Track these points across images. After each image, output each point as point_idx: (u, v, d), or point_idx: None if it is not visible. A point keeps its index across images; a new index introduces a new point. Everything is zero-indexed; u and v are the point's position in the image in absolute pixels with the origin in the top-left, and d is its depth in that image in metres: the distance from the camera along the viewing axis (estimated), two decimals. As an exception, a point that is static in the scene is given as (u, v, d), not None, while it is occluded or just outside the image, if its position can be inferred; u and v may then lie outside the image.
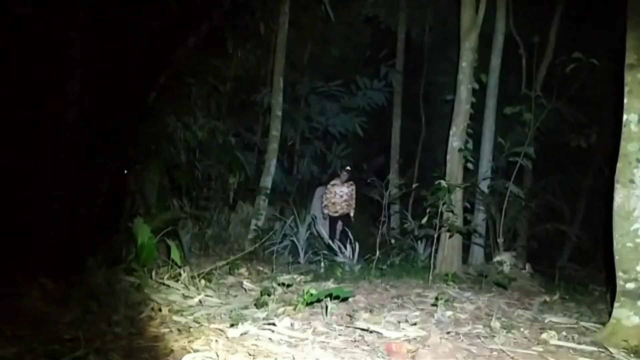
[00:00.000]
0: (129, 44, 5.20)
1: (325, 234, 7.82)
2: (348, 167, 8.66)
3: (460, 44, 6.78)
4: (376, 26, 10.32)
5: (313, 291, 3.90)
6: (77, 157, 4.69)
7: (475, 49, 6.76)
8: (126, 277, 4.38)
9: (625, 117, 3.65)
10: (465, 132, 6.74)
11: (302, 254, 7.10)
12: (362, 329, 3.46)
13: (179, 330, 3.23)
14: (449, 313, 4.11)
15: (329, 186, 8.58)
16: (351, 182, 8.63)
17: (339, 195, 8.56)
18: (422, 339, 3.32)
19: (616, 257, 3.61)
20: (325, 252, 7.17)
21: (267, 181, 8.12)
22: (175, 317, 3.49)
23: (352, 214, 8.65)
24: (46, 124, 4.60)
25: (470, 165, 6.90)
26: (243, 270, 5.69)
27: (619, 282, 3.59)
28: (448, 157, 6.72)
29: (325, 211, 8.50)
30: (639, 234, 3.52)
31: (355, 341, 3.26)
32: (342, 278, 5.99)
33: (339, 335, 3.37)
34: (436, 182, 6.26)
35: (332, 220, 8.46)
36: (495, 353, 3.19)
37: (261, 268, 6.12)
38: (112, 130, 5.05)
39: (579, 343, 3.51)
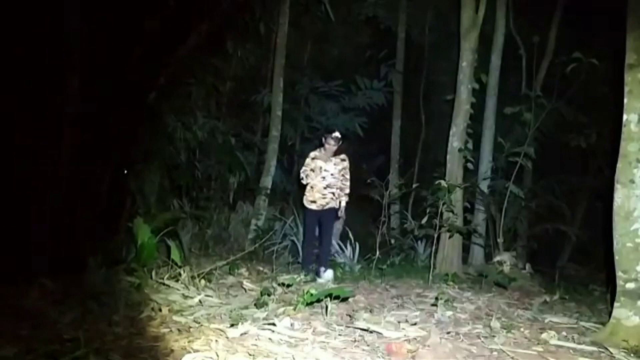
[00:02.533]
0: (129, 43, 5.20)
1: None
2: (337, 133, 5.86)
3: (460, 44, 6.79)
4: (376, 26, 10.32)
5: (313, 291, 3.91)
6: (77, 157, 4.69)
7: (475, 49, 6.77)
8: (126, 277, 4.38)
9: (625, 117, 3.65)
10: (465, 132, 6.76)
11: (302, 254, 7.08)
12: (362, 329, 3.46)
13: (179, 330, 3.23)
14: (449, 313, 4.11)
15: (307, 160, 5.97)
16: (343, 157, 5.96)
17: (321, 177, 5.86)
18: (422, 339, 3.33)
19: (616, 257, 3.61)
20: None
21: (267, 181, 8.12)
22: (175, 317, 3.49)
23: (342, 204, 5.93)
24: (46, 124, 4.60)
25: (470, 165, 6.92)
26: (243, 270, 5.69)
27: (619, 282, 3.59)
28: (448, 157, 6.73)
29: (305, 201, 5.98)
30: (639, 234, 3.52)
31: (355, 341, 3.27)
32: (342, 278, 5.99)
33: (339, 335, 3.37)
34: (436, 182, 6.27)
35: (311, 215, 5.95)
36: (495, 353, 3.20)
37: (261, 268, 6.12)
38: (112, 130, 5.05)
39: (579, 343, 3.51)
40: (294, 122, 9.73)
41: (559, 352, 3.31)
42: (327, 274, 5.73)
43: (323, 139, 5.92)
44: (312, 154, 6.00)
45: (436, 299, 4.38)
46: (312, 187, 5.92)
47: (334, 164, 5.91)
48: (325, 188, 5.88)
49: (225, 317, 3.64)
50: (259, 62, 9.29)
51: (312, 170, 5.91)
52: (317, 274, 5.76)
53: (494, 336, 3.53)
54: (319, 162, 5.91)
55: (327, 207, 5.92)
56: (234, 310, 3.80)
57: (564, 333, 3.74)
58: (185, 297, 4.14)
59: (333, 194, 5.92)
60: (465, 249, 7.39)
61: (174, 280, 4.52)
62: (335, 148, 5.84)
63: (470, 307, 4.50)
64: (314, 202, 5.91)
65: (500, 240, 6.74)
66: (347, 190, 5.97)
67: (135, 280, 4.27)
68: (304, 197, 6.01)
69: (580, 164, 9.39)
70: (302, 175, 5.96)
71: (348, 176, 5.98)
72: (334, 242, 6.85)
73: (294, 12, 8.61)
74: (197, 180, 7.72)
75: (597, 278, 6.54)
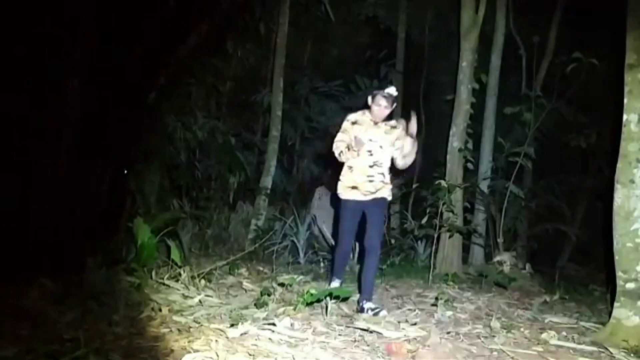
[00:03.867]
0: (129, 43, 5.20)
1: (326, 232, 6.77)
2: (392, 89, 4.05)
3: (460, 44, 6.79)
4: (376, 26, 10.31)
5: (313, 291, 3.90)
6: (78, 157, 4.69)
7: (475, 49, 6.78)
8: (126, 277, 4.38)
9: (625, 117, 3.65)
10: (465, 132, 6.76)
11: (302, 254, 7.09)
12: (362, 329, 3.46)
13: (179, 330, 3.23)
14: (449, 313, 4.12)
15: (345, 124, 4.15)
16: (394, 124, 4.19)
17: (367, 151, 4.05)
18: (422, 339, 3.33)
19: (616, 257, 3.62)
20: (325, 252, 7.15)
21: (267, 181, 8.12)
22: (175, 317, 3.49)
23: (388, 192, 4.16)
24: (46, 124, 4.61)
25: (470, 165, 6.92)
26: (243, 270, 5.68)
27: (619, 282, 3.60)
28: (448, 157, 6.74)
29: (340, 188, 4.14)
30: (639, 234, 3.52)
31: (355, 341, 3.27)
32: (342, 278, 5.98)
33: (339, 335, 3.37)
34: (436, 182, 6.27)
35: (350, 207, 4.11)
36: (495, 353, 3.20)
37: (261, 268, 6.11)
38: (112, 130, 5.06)
39: (579, 343, 3.51)
40: (294, 122, 9.73)
41: (559, 352, 3.31)
42: (382, 312, 3.95)
43: (370, 99, 4.08)
44: (351, 117, 4.14)
45: (436, 299, 4.38)
46: (350, 167, 4.10)
47: (385, 132, 4.12)
48: (371, 167, 4.06)
49: (225, 317, 3.64)
50: (259, 62, 9.29)
51: (349, 135, 4.03)
52: (362, 310, 3.98)
53: (494, 336, 3.53)
54: (362, 127, 4.08)
55: (375, 195, 4.09)
56: (234, 310, 3.80)
57: (564, 333, 3.74)
58: (185, 297, 4.14)
59: (383, 175, 4.11)
60: (465, 249, 7.38)
61: (174, 280, 4.51)
62: (387, 112, 4.07)
63: (470, 307, 4.50)
64: (354, 187, 4.08)
65: (500, 240, 6.74)
66: (410, 158, 4.15)
67: (135, 280, 4.27)
68: (339, 183, 4.17)
69: (580, 164, 9.39)
70: (336, 147, 4.09)
71: (408, 149, 4.10)
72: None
73: (294, 12, 8.60)
74: (197, 180, 7.72)
75: (597, 278, 6.54)
